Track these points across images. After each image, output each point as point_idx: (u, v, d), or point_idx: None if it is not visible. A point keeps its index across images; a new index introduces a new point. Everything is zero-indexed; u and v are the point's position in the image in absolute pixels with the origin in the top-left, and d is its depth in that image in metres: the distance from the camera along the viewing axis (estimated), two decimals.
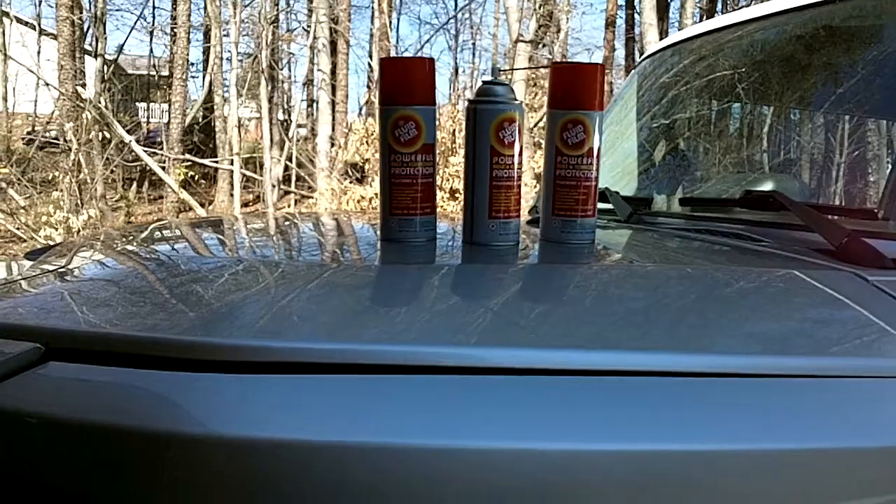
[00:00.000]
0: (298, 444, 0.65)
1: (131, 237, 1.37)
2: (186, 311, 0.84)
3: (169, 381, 0.69)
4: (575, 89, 1.16)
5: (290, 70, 22.17)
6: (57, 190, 10.93)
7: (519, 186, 1.15)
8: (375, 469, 0.64)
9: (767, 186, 1.65)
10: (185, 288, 0.94)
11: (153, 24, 21.84)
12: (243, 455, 0.64)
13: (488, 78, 1.15)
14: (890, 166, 1.65)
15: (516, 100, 1.14)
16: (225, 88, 16.18)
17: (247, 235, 1.45)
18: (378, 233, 1.21)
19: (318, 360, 0.71)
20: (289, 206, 13.85)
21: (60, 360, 0.74)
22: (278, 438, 0.65)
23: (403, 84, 1.14)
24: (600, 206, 1.29)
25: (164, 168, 13.06)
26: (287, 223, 1.65)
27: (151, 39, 22.36)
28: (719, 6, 17.65)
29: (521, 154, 1.14)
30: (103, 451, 0.67)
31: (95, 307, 0.89)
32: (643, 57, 2.25)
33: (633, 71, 2.27)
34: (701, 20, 14.97)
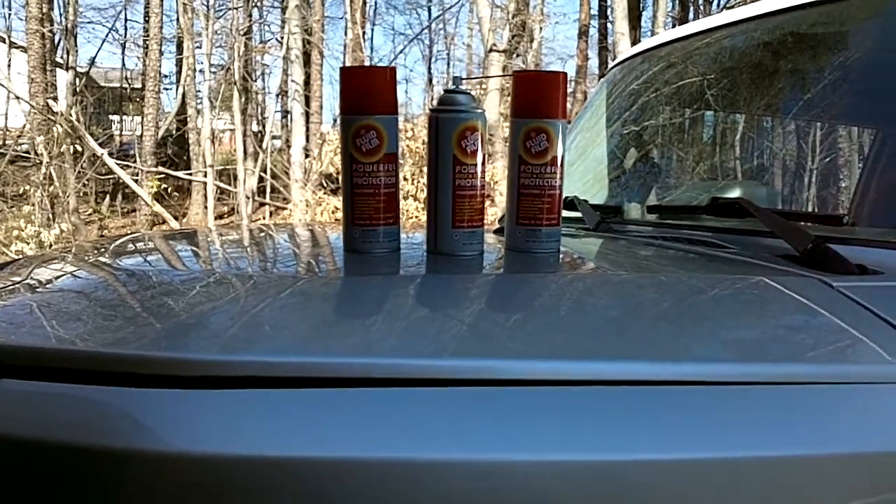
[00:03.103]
0: (264, 459, 0.64)
1: (96, 251, 1.35)
2: (144, 325, 0.82)
3: (127, 397, 0.68)
4: (538, 98, 1.15)
5: (263, 81, 22.11)
6: (28, 204, 10.84)
7: (483, 195, 1.14)
8: (345, 484, 0.63)
9: (735, 193, 1.66)
10: (143, 301, 0.93)
11: (125, 37, 21.75)
12: (206, 472, 0.64)
13: (451, 87, 1.14)
14: (858, 172, 1.66)
15: (478, 108, 1.13)
16: (198, 100, 16.12)
17: (200, 248, 1.43)
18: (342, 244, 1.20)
19: (281, 374, 0.70)
20: (263, 218, 13.81)
21: (14, 377, 0.72)
22: (242, 454, 0.64)
23: (364, 93, 1.12)
24: (570, 214, 1.28)
25: (137, 181, 12.97)
26: (248, 235, 1.63)
27: (124, 52, 22.29)
28: (691, 15, 17.83)
29: (483, 163, 1.13)
30: (60, 470, 0.66)
31: (51, 322, 0.87)
32: (612, 64, 2.26)
33: (602, 79, 2.28)
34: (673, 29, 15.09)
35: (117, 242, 1.43)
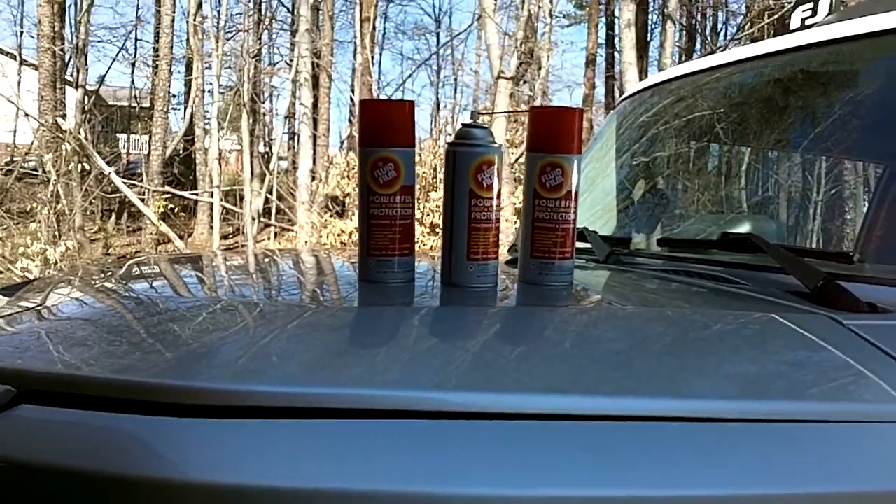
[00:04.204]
0: (274, 490, 0.64)
1: (108, 274, 1.36)
2: (162, 352, 0.83)
3: (143, 424, 0.69)
4: (553, 133, 1.16)
5: (271, 103, 22.21)
6: (35, 221, 10.84)
7: (497, 228, 1.15)
8: None
9: (744, 227, 1.66)
10: (162, 328, 0.93)
11: (135, 56, 21.82)
12: (217, 501, 0.64)
13: (467, 120, 1.15)
14: (865, 209, 1.67)
15: (495, 142, 1.14)
16: (206, 120, 16.17)
17: (221, 275, 1.44)
18: (356, 273, 1.21)
19: (294, 405, 0.70)
20: (269, 239, 13.80)
21: (33, 403, 0.73)
22: (252, 484, 0.64)
23: (383, 126, 1.14)
24: (579, 245, 1.29)
25: (143, 200, 12.99)
26: (269, 262, 1.64)
27: (133, 71, 22.34)
28: (698, 45, 17.90)
29: (499, 196, 1.15)
30: (76, 496, 0.66)
31: (70, 348, 0.87)
32: (622, 97, 2.28)
33: (612, 111, 2.29)
34: (680, 59, 15.16)
35: (130, 266, 1.44)
